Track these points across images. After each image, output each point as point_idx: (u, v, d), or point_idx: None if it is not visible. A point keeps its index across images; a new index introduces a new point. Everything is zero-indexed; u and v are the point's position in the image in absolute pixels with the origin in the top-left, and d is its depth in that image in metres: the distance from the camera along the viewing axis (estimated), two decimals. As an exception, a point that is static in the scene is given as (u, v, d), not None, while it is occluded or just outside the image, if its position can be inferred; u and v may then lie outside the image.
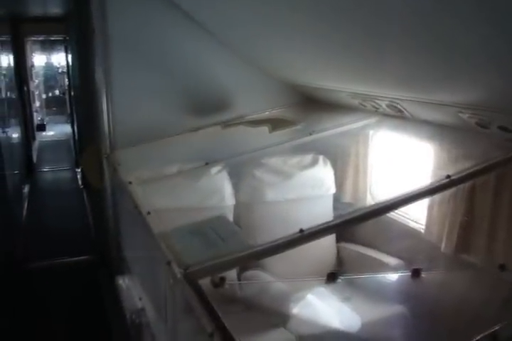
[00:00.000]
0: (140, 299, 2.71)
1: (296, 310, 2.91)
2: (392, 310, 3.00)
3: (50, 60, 15.18)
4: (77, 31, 5.60)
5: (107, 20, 3.28)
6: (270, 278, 3.16)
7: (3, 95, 5.96)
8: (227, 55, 3.51)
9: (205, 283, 1.72)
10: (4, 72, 6.35)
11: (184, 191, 3.14)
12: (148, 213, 2.23)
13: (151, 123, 3.47)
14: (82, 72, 4.74)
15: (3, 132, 5.32)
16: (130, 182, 2.68)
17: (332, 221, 2.11)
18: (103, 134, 3.50)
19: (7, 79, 6.60)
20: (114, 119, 3.39)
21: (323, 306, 3.03)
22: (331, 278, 2.09)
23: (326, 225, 2.00)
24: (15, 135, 6.86)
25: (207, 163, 3.15)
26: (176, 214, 2.63)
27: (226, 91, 3.59)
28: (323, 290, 3.06)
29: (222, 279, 1.79)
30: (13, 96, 7.43)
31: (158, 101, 3.50)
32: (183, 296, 1.73)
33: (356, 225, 2.70)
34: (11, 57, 7.82)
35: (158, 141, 3.40)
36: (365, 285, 3.11)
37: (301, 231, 1.89)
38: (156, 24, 3.35)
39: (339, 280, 2.11)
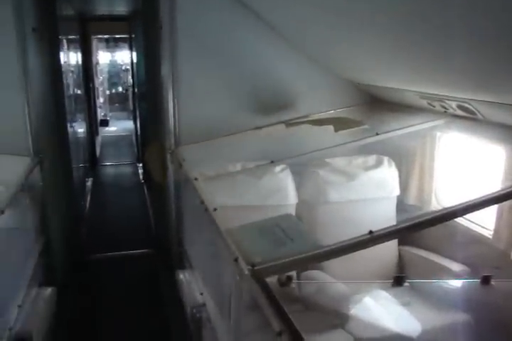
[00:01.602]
0: (201, 294, 2.74)
1: (355, 311, 2.87)
2: (456, 317, 2.90)
3: (114, 58, 15.63)
4: (143, 29, 5.70)
5: (175, 18, 3.32)
6: (330, 278, 3.12)
7: (71, 91, 6.14)
8: (293, 53, 3.50)
9: (270, 281, 1.72)
10: (72, 69, 6.55)
11: (248, 189, 3.15)
12: (215, 209, 2.24)
13: (215, 121, 3.50)
14: (149, 69, 4.83)
15: (71, 127, 5.49)
16: (196, 179, 2.71)
17: (401, 223, 2.06)
18: (168, 130, 3.55)
19: (75, 76, 6.80)
20: (179, 116, 3.44)
21: (382, 309, 2.98)
22: (398, 281, 2.05)
23: (395, 228, 1.97)
24: (80, 129, 7.07)
25: (272, 162, 3.16)
26: (240, 212, 2.64)
27: (291, 90, 3.59)
28: (383, 293, 3.01)
29: (289, 278, 1.79)
30: (80, 92, 7.65)
31: (223, 99, 3.53)
32: (249, 293, 1.74)
33: (425, 229, 2.63)
34: (79, 55, 8.06)
35: (222, 138, 3.43)
36: (427, 291, 3.03)
37: (371, 232, 1.86)
38: (222, 21, 3.38)
39: (406, 284, 2.07)
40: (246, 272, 1.69)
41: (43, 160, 3.50)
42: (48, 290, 3.18)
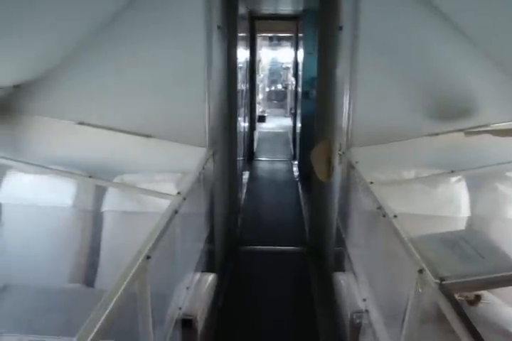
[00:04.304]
0: (364, 300, 2.69)
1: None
2: None
3: (275, 56, 16.06)
4: (316, 29, 5.76)
5: (358, 19, 3.27)
6: (497, 300, 2.91)
7: (239, 87, 6.39)
8: (478, 57, 3.28)
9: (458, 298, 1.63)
10: (241, 65, 6.81)
11: (421, 197, 3.04)
12: (395, 216, 2.18)
13: (389, 124, 3.42)
14: (321, 69, 4.86)
15: (237, 121, 5.71)
16: (371, 183, 2.66)
17: None
18: (340, 131, 3.53)
19: (243, 72, 7.07)
20: (353, 117, 3.40)
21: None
22: None
23: None
24: (243, 124, 7.34)
25: (452, 171, 3.02)
26: (410, 220, 2.54)
27: (472, 96, 3.37)
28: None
29: (478, 297, 1.68)
30: (245, 88, 7.93)
31: (400, 102, 3.42)
32: (434, 308, 1.66)
33: None
34: (247, 52, 8.36)
35: (396, 142, 3.33)
36: None
37: None
38: (407, 22, 3.26)
39: None
40: (433, 285, 1.61)
41: (216, 152, 3.66)
42: (210, 276, 3.32)
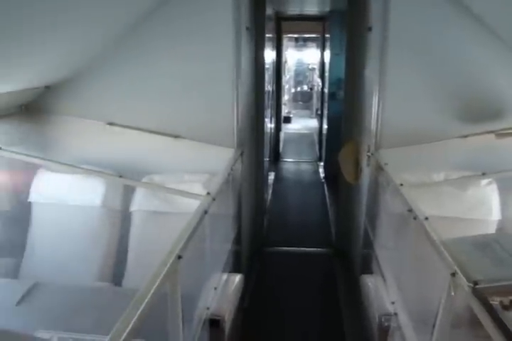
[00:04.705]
0: (393, 303, 2.66)
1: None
2: None
3: (301, 57, 16.03)
4: (343, 30, 5.72)
5: (388, 20, 3.24)
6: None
7: (266, 88, 6.39)
8: (510, 59, 3.24)
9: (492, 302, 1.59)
10: (268, 66, 6.81)
11: (451, 200, 3.01)
12: (426, 219, 2.15)
13: (419, 126, 3.38)
14: (349, 70, 4.82)
15: (263, 122, 5.70)
16: (401, 184, 2.63)
17: None
18: (368, 132, 3.51)
19: (269, 73, 7.07)
20: (382, 118, 3.37)
21: None
22: None
23: None
24: (270, 125, 7.33)
25: (483, 174, 2.98)
26: (444, 223, 2.51)
27: (504, 97, 3.32)
28: None
29: (513, 302, 1.64)
30: (271, 89, 7.93)
31: (429, 104, 3.38)
32: (466, 312, 1.63)
33: None
34: (274, 53, 8.35)
35: (425, 144, 3.30)
36: None
37: None
38: (438, 23, 3.21)
39: None
40: (466, 289, 1.58)
41: (243, 153, 3.66)
42: (237, 277, 3.32)
